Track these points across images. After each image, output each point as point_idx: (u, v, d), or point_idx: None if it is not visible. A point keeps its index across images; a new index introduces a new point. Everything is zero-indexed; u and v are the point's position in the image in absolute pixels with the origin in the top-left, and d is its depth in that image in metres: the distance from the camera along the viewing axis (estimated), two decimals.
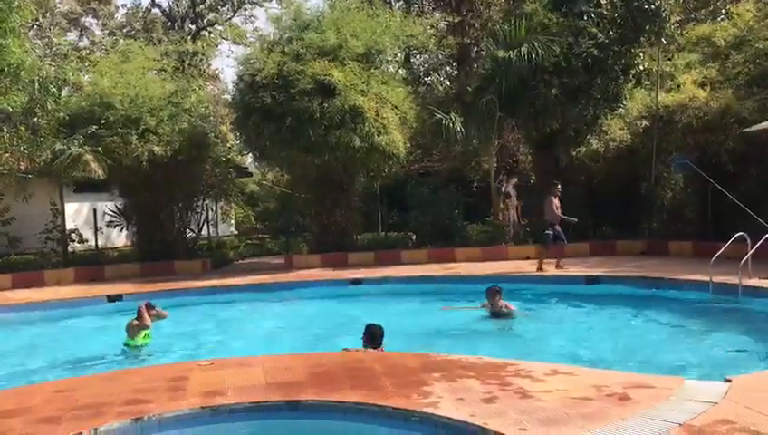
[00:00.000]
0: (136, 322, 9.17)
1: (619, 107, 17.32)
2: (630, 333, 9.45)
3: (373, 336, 7.42)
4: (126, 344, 9.13)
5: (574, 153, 17.86)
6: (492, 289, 10.39)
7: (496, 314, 10.18)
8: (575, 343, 8.81)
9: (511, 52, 16.12)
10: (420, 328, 10.14)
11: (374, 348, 7.30)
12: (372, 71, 16.71)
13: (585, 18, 16.23)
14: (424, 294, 13.00)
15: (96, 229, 18.59)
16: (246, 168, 26.99)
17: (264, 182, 27.90)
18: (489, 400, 4.87)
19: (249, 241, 23.98)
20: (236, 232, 28.38)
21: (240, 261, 19.49)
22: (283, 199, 24.53)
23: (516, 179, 20.92)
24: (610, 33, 16.25)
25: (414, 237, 18.71)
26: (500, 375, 5.54)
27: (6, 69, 14.68)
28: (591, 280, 12.72)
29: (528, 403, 4.77)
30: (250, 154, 19.34)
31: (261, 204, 28.80)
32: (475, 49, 22.62)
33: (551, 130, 16.93)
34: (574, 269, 13.79)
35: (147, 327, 9.19)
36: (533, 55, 15.79)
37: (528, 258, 15.88)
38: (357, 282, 14.09)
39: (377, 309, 11.30)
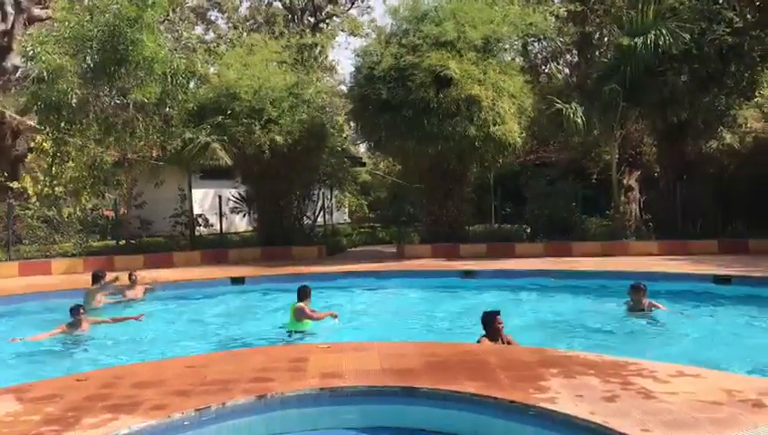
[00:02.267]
0: (305, 307, 9.25)
1: (756, 96, 16.20)
2: (762, 336, 8.84)
3: (483, 323, 7.35)
4: (292, 330, 9.26)
5: (705, 147, 16.85)
6: (636, 286, 9.78)
7: (638, 311, 9.67)
8: (702, 345, 8.35)
9: (636, 39, 15.45)
10: (538, 322, 9.95)
11: (488, 336, 7.20)
12: (490, 60, 16.49)
13: (720, 1, 15.28)
14: (542, 288, 12.70)
15: (221, 215, 19.53)
16: (360, 158, 27.47)
17: (377, 172, 28.29)
18: (610, 398, 4.71)
19: (362, 229, 24.42)
20: (349, 220, 29.00)
21: (353, 248, 19.89)
22: (394, 189, 24.77)
23: (639, 172, 20.02)
24: (748, 16, 15.20)
25: (528, 230, 18.33)
26: (621, 374, 5.34)
27: (142, 62, 15.69)
28: (721, 280, 11.98)
29: (652, 404, 4.58)
30: (363, 144, 19.63)
31: (373, 193, 29.27)
32: (597, 36, 21.82)
33: (678, 121, 16.10)
34: (705, 267, 13.05)
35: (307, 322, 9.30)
36: (661, 42, 15.05)
37: (651, 254, 15.20)
38: (470, 274, 13.98)
39: (491, 301, 11.19)
